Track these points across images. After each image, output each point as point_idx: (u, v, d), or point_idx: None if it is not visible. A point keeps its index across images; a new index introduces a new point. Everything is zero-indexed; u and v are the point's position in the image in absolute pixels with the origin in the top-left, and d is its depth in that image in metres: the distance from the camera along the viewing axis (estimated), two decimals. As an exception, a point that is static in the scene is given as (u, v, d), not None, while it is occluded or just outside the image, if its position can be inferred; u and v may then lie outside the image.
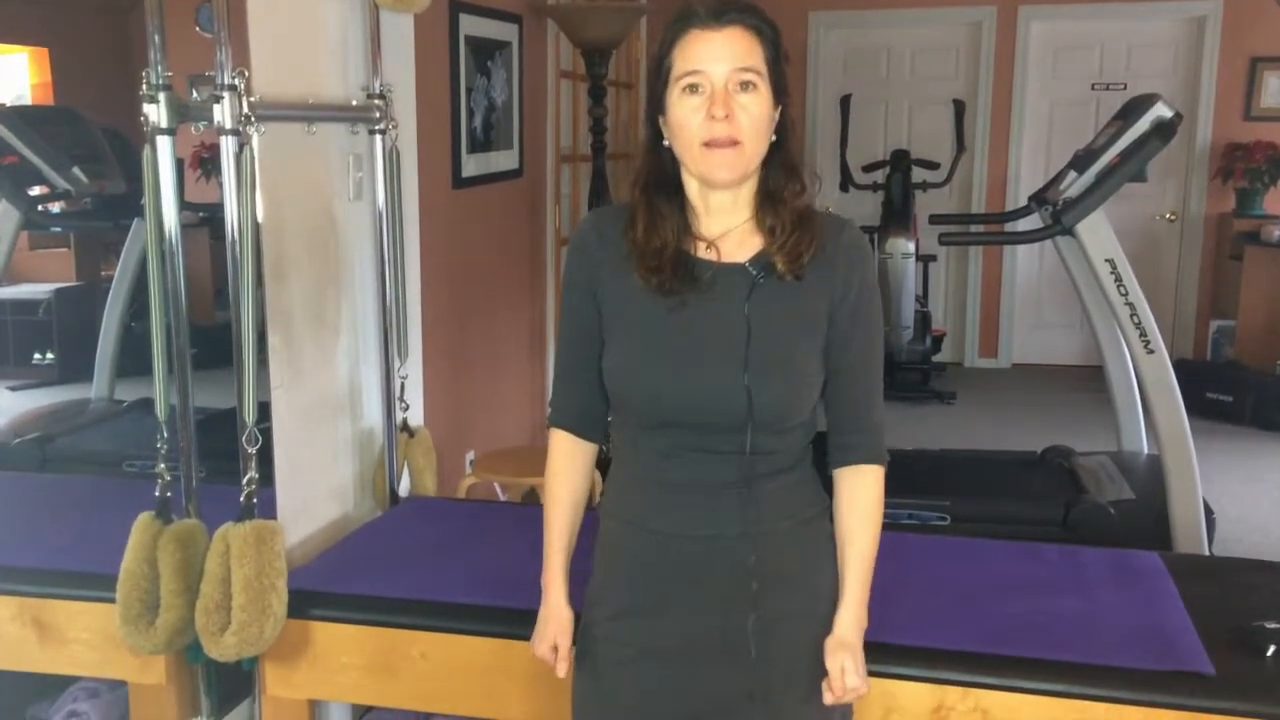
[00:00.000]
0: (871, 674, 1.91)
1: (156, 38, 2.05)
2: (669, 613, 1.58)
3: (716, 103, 1.49)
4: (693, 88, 1.50)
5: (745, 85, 1.50)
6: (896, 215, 6.19)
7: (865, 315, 1.60)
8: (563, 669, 1.69)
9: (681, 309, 1.55)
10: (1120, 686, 1.87)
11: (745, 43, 1.50)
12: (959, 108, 6.38)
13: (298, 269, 2.47)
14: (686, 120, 1.51)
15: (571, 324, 1.67)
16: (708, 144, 1.50)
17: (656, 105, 1.57)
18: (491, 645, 2.12)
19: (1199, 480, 3.65)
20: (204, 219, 2.67)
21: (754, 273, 1.56)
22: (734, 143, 1.50)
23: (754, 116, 1.51)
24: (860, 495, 1.63)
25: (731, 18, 1.50)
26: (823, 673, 1.60)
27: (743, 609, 1.56)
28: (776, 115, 1.55)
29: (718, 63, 1.49)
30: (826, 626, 1.61)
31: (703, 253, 1.58)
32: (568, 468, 1.71)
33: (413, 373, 2.91)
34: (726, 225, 1.59)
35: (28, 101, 2.79)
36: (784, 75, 1.55)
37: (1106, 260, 3.67)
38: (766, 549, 1.56)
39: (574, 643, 1.70)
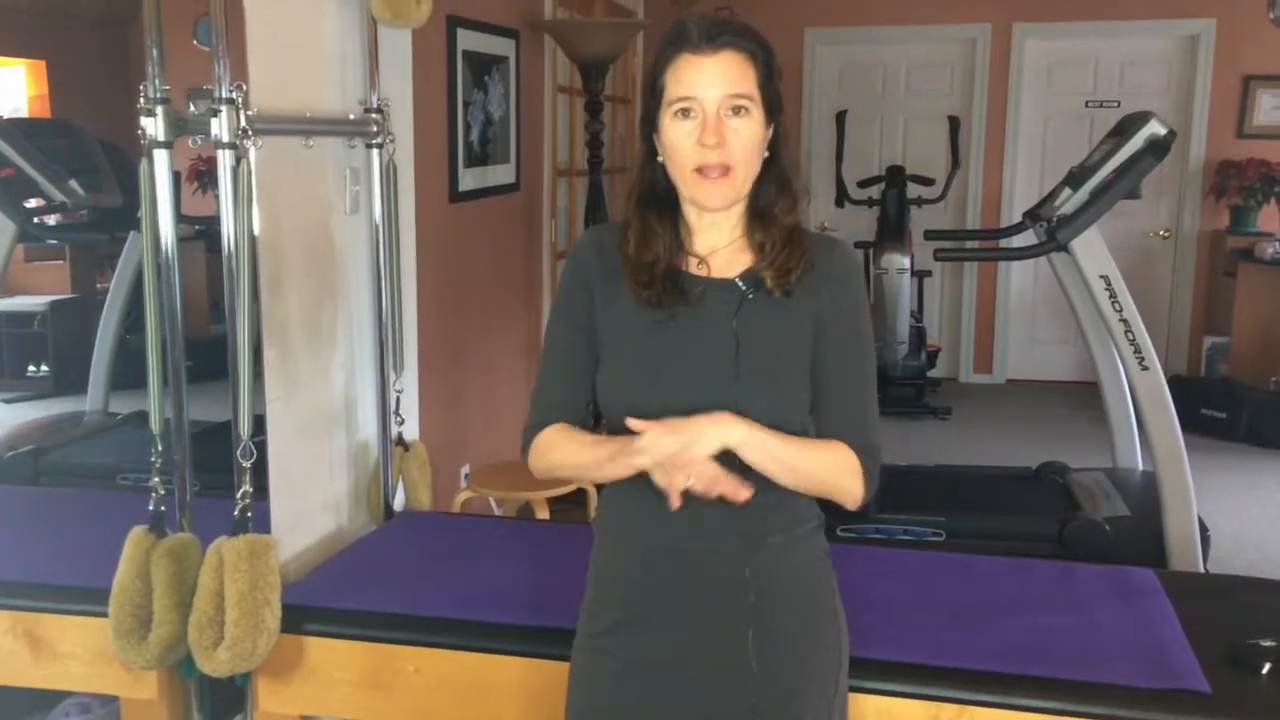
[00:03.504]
0: (865, 690, 1.92)
1: (154, 51, 2.06)
2: (662, 626, 1.58)
3: (708, 130, 1.49)
4: (684, 112, 1.51)
5: (737, 110, 1.50)
6: (891, 231, 6.20)
7: (855, 335, 1.59)
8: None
9: (671, 323, 1.55)
10: (1115, 704, 1.87)
11: (738, 67, 1.50)
12: (954, 124, 6.40)
13: (294, 282, 2.47)
14: (679, 145, 1.52)
15: (564, 339, 1.65)
16: (699, 170, 1.51)
17: (650, 123, 1.57)
18: (485, 661, 2.11)
19: (1194, 497, 3.65)
20: (200, 232, 2.67)
21: (743, 288, 1.56)
22: (725, 170, 1.51)
23: (745, 140, 1.51)
24: (836, 444, 1.57)
25: (724, 41, 1.50)
26: (823, 697, 1.60)
27: (743, 622, 1.55)
28: (769, 133, 1.55)
29: (709, 88, 1.49)
30: (824, 649, 1.61)
31: (694, 268, 1.59)
32: (564, 429, 1.63)
33: (408, 386, 2.90)
34: (718, 241, 1.60)
35: (25, 114, 2.80)
36: (777, 93, 1.56)
37: (1101, 277, 3.67)
38: (763, 562, 1.56)
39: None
